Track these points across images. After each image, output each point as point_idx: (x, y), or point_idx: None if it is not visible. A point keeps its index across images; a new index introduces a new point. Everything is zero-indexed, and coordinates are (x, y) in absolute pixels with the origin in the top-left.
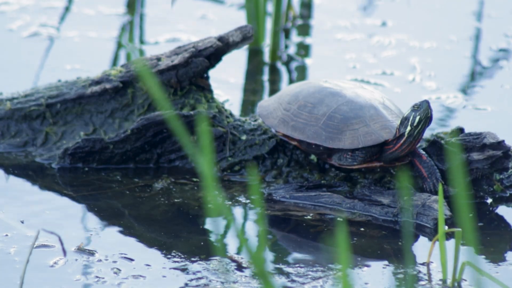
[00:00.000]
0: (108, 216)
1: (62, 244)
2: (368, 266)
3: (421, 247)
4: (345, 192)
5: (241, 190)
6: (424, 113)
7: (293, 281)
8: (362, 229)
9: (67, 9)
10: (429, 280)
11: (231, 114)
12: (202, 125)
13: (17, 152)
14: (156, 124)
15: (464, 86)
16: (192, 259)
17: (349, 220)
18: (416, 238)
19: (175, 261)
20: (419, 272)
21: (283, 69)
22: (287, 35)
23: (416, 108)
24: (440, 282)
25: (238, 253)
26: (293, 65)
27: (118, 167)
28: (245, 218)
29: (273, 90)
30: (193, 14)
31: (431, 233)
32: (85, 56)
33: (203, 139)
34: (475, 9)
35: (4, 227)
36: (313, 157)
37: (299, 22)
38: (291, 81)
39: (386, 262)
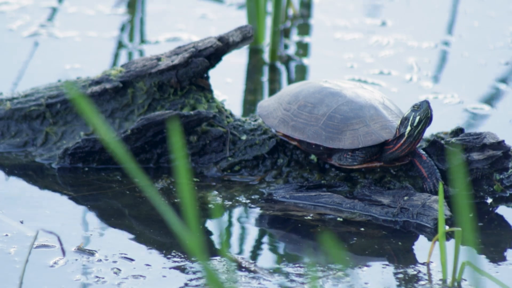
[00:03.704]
0: (108, 216)
1: (61, 244)
2: (368, 266)
3: (421, 247)
4: (345, 192)
5: (241, 190)
6: (424, 113)
7: (293, 281)
8: (362, 229)
9: (57, 9)
10: (429, 280)
11: (231, 114)
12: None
13: (17, 152)
14: (156, 124)
15: (461, 86)
16: (192, 259)
17: (349, 220)
18: (416, 238)
19: (175, 261)
20: (419, 272)
21: (282, 68)
22: (287, 34)
23: (416, 108)
24: (440, 282)
25: (238, 253)
26: (293, 64)
27: (118, 167)
28: (245, 218)
29: (273, 89)
30: (193, 13)
31: (431, 233)
32: (85, 56)
33: (174, 140)
34: (473, 9)
35: (4, 227)
36: (313, 157)
37: (299, 21)
38: (290, 81)
39: (386, 262)
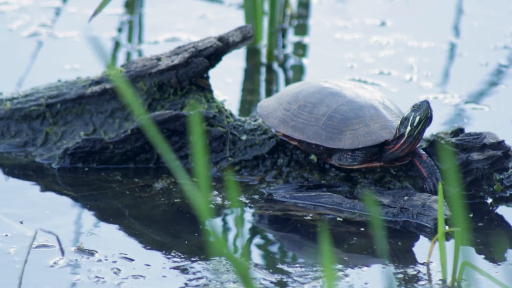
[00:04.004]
0: (108, 216)
1: (60, 244)
2: (368, 266)
3: (421, 247)
4: (345, 192)
5: (241, 190)
6: (424, 113)
7: (293, 281)
8: (362, 229)
9: (61, 9)
10: (429, 280)
11: (231, 114)
12: (196, 127)
13: (17, 152)
14: (156, 124)
15: (461, 86)
16: (192, 259)
17: (349, 220)
18: (416, 238)
19: (175, 261)
20: (419, 272)
21: (280, 69)
22: (285, 35)
23: (416, 108)
24: (440, 282)
25: (237, 253)
26: (291, 64)
27: (118, 167)
28: (245, 218)
29: (271, 90)
30: (192, 13)
31: (431, 233)
32: (84, 56)
33: (197, 141)
34: (473, 9)
35: (4, 227)
36: (313, 157)
37: (297, 21)
38: (288, 81)
39: (386, 262)
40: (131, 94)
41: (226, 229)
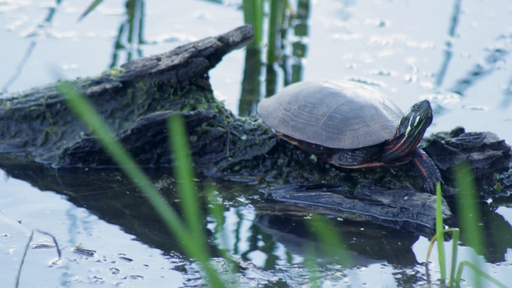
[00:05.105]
0: (108, 216)
1: (56, 244)
2: (367, 266)
3: (421, 247)
4: (345, 192)
5: (241, 190)
6: (424, 113)
7: (292, 281)
8: (362, 229)
9: (55, 9)
10: (428, 280)
11: (231, 114)
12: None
13: (17, 152)
14: (156, 124)
15: (461, 86)
16: (191, 259)
17: (349, 220)
18: (416, 238)
19: (173, 262)
20: (418, 272)
21: (280, 69)
22: (285, 35)
23: (416, 108)
24: (438, 282)
25: (237, 253)
26: (291, 65)
27: (118, 167)
28: (245, 218)
29: (270, 90)
30: (191, 14)
31: (431, 233)
32: (83, 56)
33: (176, 139)
34: (472, 9)
35: (3, 227)
36: (313, 157)
37: (297, 22)
38: (287, 82)
39: (385, 262)
40: (88, 111)
41: (223, 229)
